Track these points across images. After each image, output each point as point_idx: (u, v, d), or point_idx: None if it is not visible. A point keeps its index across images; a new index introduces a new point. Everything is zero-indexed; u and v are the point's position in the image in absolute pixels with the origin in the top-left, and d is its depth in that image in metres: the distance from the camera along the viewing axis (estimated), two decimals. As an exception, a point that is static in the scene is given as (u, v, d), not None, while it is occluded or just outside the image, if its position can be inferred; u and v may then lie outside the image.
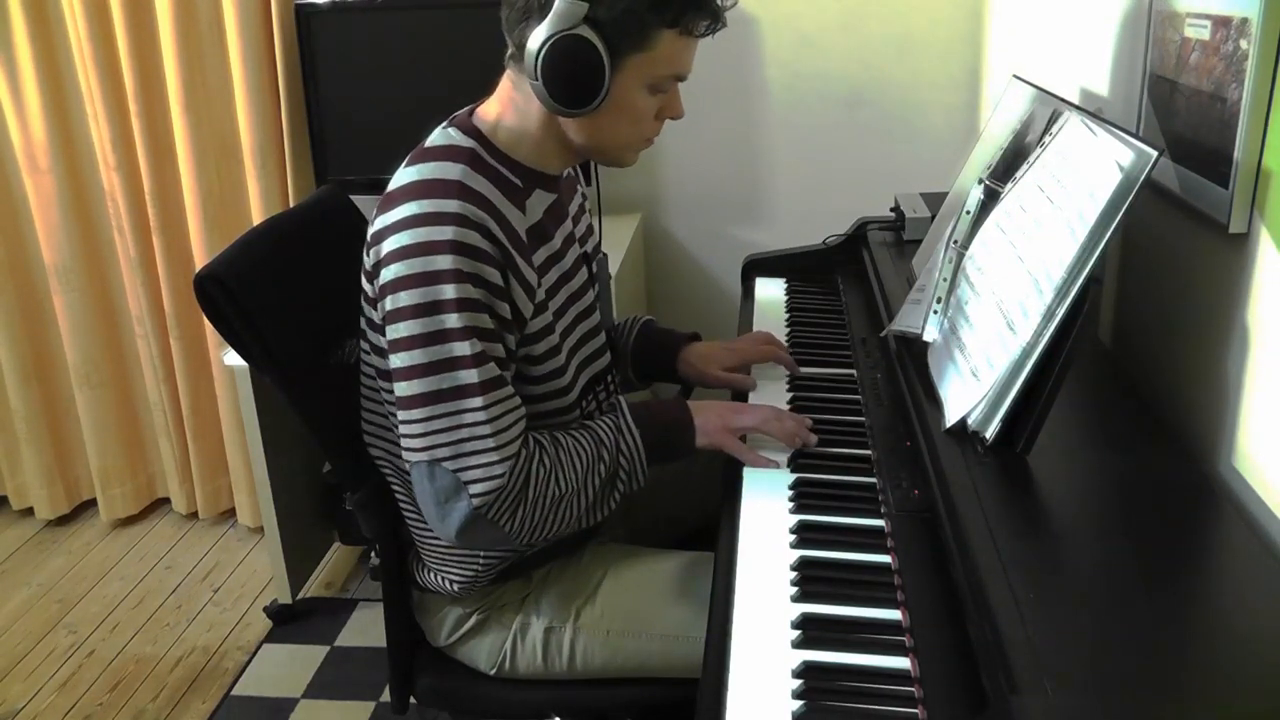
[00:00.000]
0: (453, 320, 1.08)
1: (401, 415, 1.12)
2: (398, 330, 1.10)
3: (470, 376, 1.09)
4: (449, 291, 1.07)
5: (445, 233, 1.07)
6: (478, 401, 1.09)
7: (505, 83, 1.18)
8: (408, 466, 1.15)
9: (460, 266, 1.07)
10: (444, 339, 1.08)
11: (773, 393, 1.43)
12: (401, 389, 1.11)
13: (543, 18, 1.06)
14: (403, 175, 1.14)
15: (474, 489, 1.10)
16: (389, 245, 1.09)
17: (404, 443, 1.13)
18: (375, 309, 1.16)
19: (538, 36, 1.07)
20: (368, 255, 1.15)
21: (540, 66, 1.07)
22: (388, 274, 1.09)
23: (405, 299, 1.08)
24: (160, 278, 2.48)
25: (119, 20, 2.27)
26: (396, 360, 1.11)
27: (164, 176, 2.40)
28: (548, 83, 1.08)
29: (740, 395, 1.45)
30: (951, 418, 1.09)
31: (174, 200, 2.42)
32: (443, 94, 1.30)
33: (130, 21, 2.27)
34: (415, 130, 1.23)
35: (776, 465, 1.22)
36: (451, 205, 1.08)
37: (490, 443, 1.10)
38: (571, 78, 1.08)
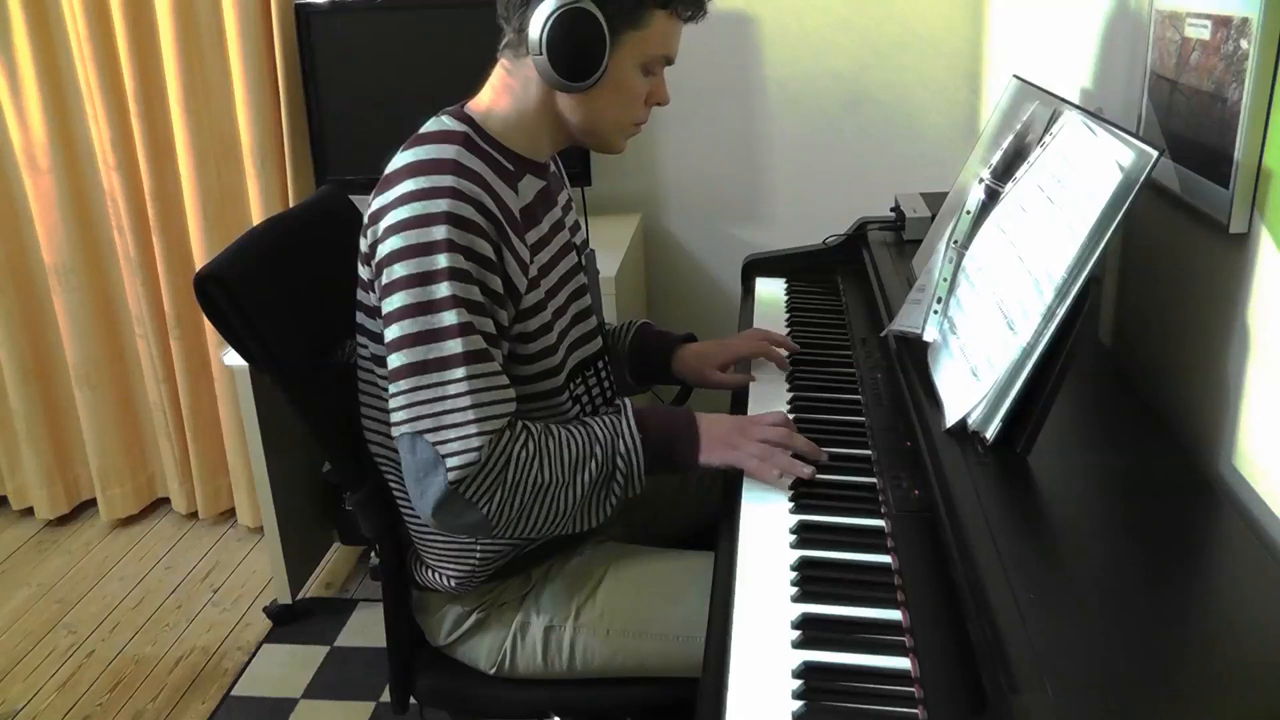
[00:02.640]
0: (442, 290, 1.09)
1: (390, 388, 1.13)
2: (392, 303, 1.11)
3: (454, 347, 1.09)
4: (441, 261, 1.09)
5: (440, 205, 1.09)
6: (460, 373, 1.09)
7: (498, 72, 1.22)
8: (395, 440, 1.14)
9: (453, 237, 1.09)
10: (432, 309, 1.09)
11: (773, 393, 1.43)
12: (392, 360, 1.12)
13: None
14: (399, 158, 1.16)
15: (450, 462, 1.09)
16: (386, 221, 1.11)
17: (392, 416, 1.13)
18: (371, 291, 1.17)
19: (542, 12, 1.12)
20: (364, 236, 1.17)
21: (545, 39, 1.12)
22: (384, 249, 1.11)
23: (400, 270, 1.10)
24: (160, 278, 2.48)
25: (119, 20, 2.27)
26: (390, 332, 1.12)
27: (164, 176, 2.40)
28: (552, 55, 1.13)
29: (740, 394, 1.45)
30: (951, 418, 1.09)
31: (174, 200, 2.43)
32: (443, 94, 1.30)
33: (130, 21, 2.27)
34: (415, 130, 1.23)
35: (783, 484, 1.18)
36: (447, 180, 1.11)
37: (470, 415, 1.09)
38: (575, 49, 1.13)
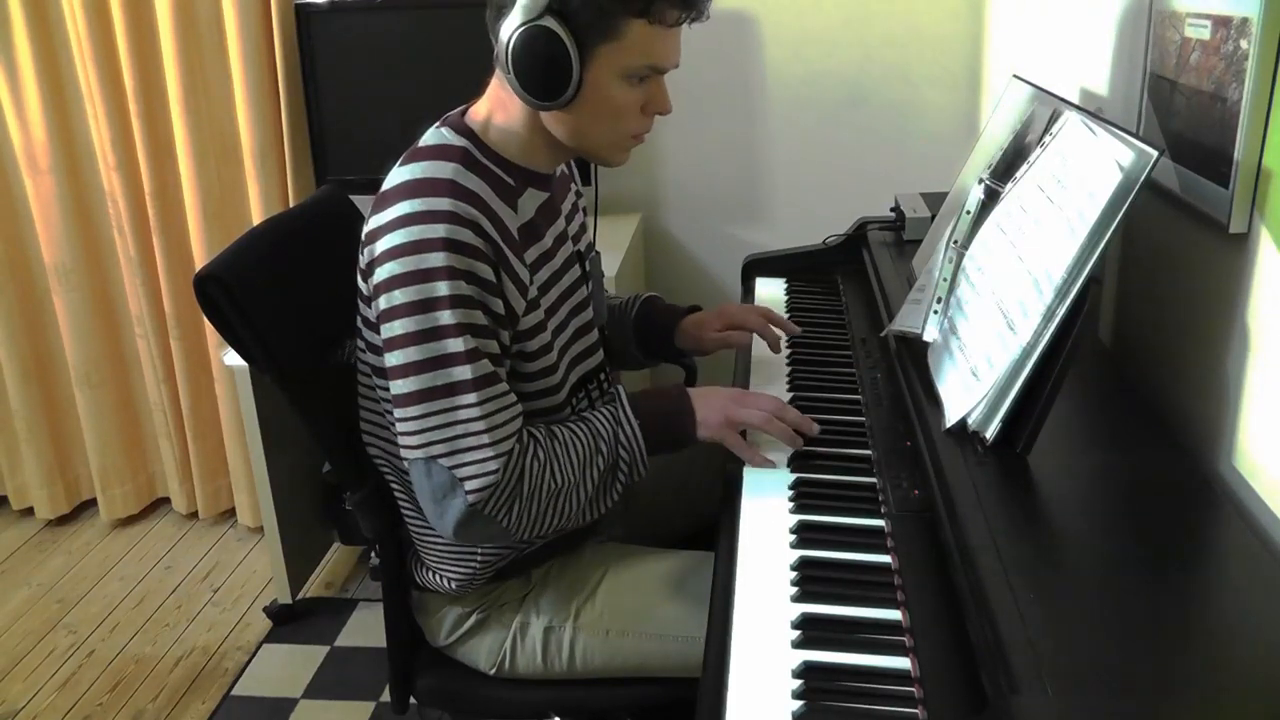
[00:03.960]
0: (446, 317, 1.08)
1: (398, 413, 1.12)
2: (393, 329, 1.10)
3: (464, 373, 1.09)
4: (442, 289, 1.08)
5: (438, 230, 1.08)
6: (472, 398, 1.09)
7: (494, 82, 1.19)
8: (406, 464, 1.15)
9: (453, 263, 1.08)
10: (437, 336, 1.09)
11: (774, 392, 1.42)
12: (397, 386, 1.11)
13: (513, 9, 1.08)
14: (396, 175, 1.14)
15: (469, 485, 1.10)
16: (383, 245, 1.10)
17: (401, 440, 1.13)
18: (370, 307, 1.16)
19: (507, 28, 1.08)
20: (362, 254, 1.16)
21: (510, 58, 1.09)
22: (382, 273, 1.10)
23: (400, 297, 1.09)
24: (160, 278, 2.48)
25: (119, 20, 2.27)
26: (392, 358, 1.11)
27: (164, 176, 2.40)
28: (519, 75, 1.09)
29: (742, 385, 1.45)
30: (952, 418, 1.09)
31: (174, 200, 2.43)
32: (443, 94, 1.30)
33: (130, 21, 2.27)
34: (414, 130, 1.23)
35: (773, 465, 1.21)
36: (444, 203, 1.09)
37: (485, 439, 1.10)
38: (539, 68, 1.08)
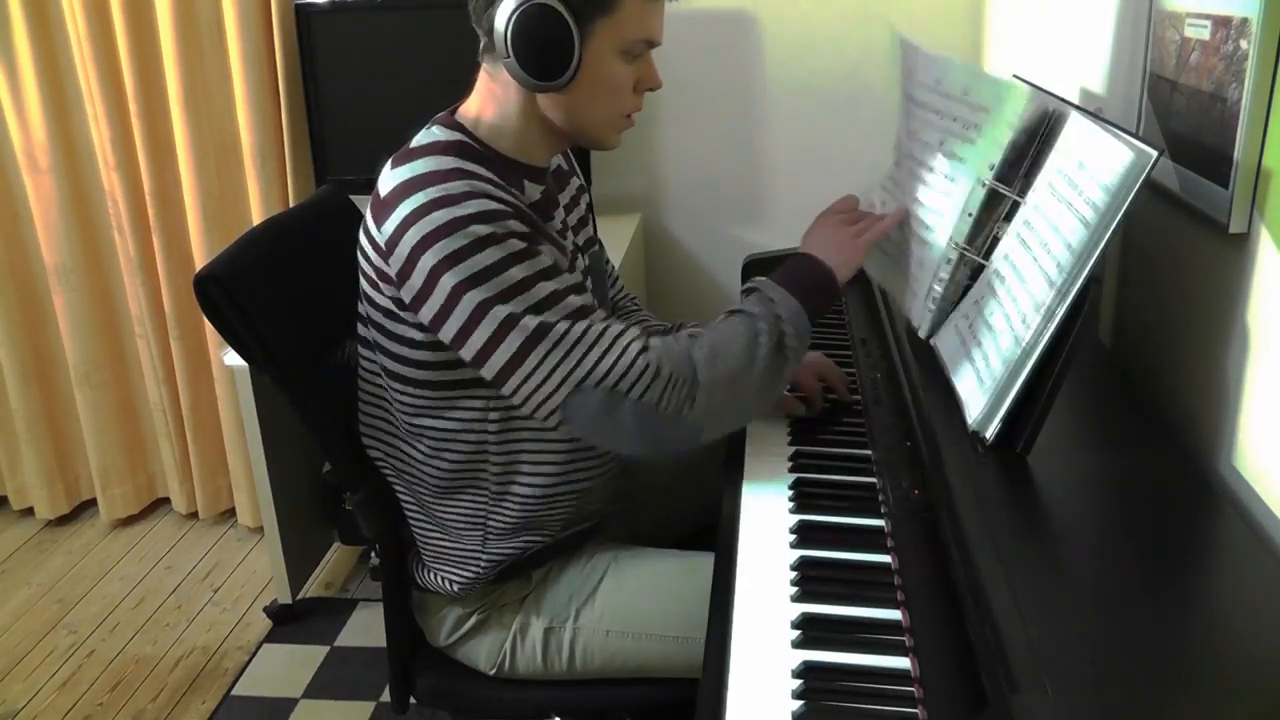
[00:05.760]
0: (516, 273, 1.06)
1: (514, 384, 1.09)
2: (461, 316, 1.07)
3: (552, 316, 1.07)
4: (493, 255, 1.06)
5: (467, 208, 1.06)
6: (566, 324, 1.07)
7: (481, 77, 1.18)
8: (554, 425, 1.11)
9: (494, 229, 1.06)
10: (508, 297, 1.06)
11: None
12: (495, 362, 1.08)
13: None
14: (392, 176, 1.11)
15: (622, 386, 1.07)
16: (408, 241, 1.07)
17: (536, 411, 1.10)
18: (398, 315, 1.14)
19: (503, 13, 1.08)
20: (384, 262, 1.11)
21: (510, 41, 1.08)
22: (419, 271, 1.07)
23: (450, 281, 1.06)
24: (160, 278, 2.48)
25: (119, 20, 2.27)
26: (473, 343, 1.08)
27: (164, 176, 2.40)
28: (519, 56, 1.09)
29: None
30: (969, 417, 1.09)
31: (174, 200, 2.43)
32: (443, 94, 1.29)
33: (130, 21, 2.27)
34: (415, 130, 1.23)
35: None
36: (458, 185, 1.07)
37: (608, 339, 1.08)
38: (541, 47, 1.08)
